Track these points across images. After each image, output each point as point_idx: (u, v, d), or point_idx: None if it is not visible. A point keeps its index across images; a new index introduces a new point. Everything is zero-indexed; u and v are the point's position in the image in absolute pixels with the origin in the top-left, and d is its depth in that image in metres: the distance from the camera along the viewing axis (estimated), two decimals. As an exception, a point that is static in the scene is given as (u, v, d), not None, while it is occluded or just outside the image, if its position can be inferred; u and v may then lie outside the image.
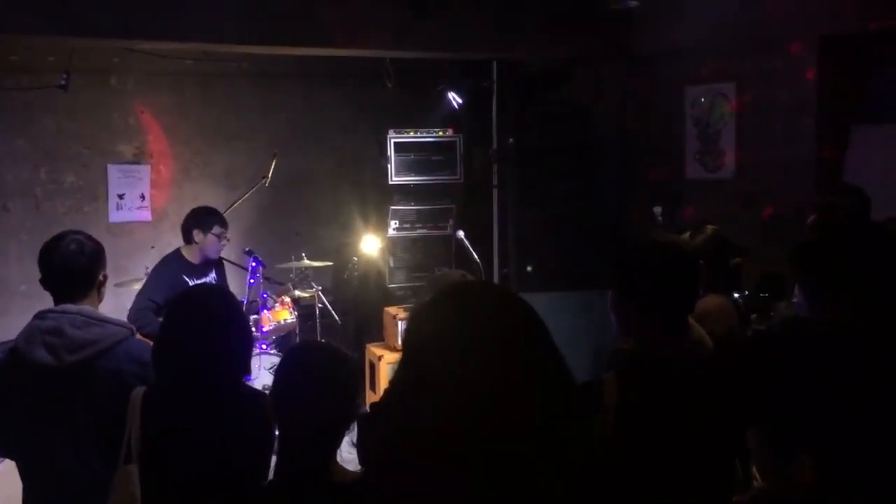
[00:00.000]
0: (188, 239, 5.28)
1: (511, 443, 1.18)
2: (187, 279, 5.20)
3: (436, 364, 1.23)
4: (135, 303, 5.13)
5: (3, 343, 4.16)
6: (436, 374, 1.22)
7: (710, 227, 3.60)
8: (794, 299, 2.38)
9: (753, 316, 3.90)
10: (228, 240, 5.42)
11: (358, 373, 2.30)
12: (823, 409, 2.03)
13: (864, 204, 3.84)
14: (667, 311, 2.17)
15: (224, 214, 5.54)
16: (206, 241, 5.23)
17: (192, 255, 5.29)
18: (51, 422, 2.65)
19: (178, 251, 5.35)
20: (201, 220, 5.27)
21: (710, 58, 5.94)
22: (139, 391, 2.42)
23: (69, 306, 2.70)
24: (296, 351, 2.33)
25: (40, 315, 2.70)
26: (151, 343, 2.56)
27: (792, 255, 2.30)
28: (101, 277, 2.81)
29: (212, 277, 5.40)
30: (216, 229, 5.25)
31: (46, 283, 2.77)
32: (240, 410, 2.38)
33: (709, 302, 3.35)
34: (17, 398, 2.67)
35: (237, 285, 6.06)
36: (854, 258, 2.16)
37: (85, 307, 2.72)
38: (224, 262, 5.63)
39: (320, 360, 2.07)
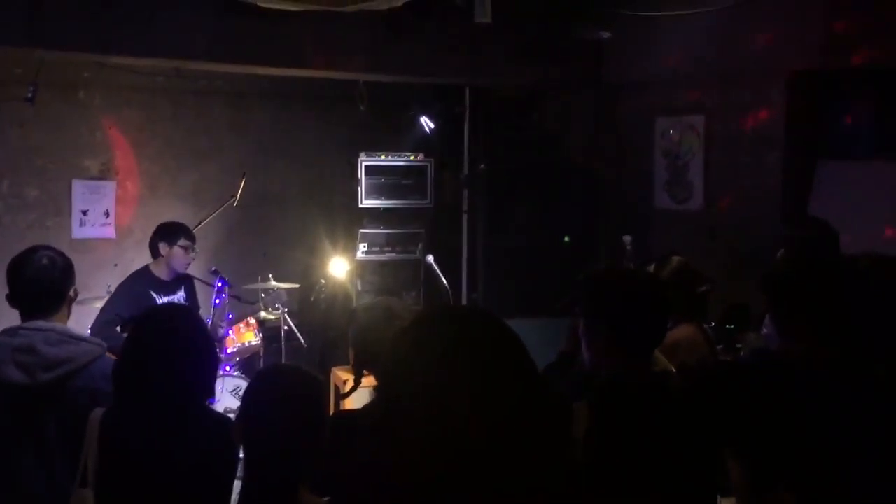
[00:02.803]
0: (155, 253, 5.21)
1: (482, 469, 1.16)
2: (154, 295, 5.11)
3: (406, 391, 1.21)
4: (99, 316, 5.03)
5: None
6: (407, 401, 1.20)
7: (675, 259, 3.62)
8: (765, 330, 2.39)
9: (720, 347, 3.92)
10: (196, 252, 5.34)
11: (326, 397, 2.26)
12: (797, 442, 2.03)
13: (833, 238, 3.88)
14: (635, 339, 2.18)
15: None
16: (172, 254, 5.15)
17: (159, 271, 5.20)
18: (21, 441, 2.58)
19: (146, 267, 5.27)
20: (167, 233, 5.21)
21: (680, 90, 6.02)
22: (97, 412, 2.36)
23: (41, 323, 2.64)
24: (266, 373, 2.29)
25: (9, 332, 2.64)
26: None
27: (763, 285, 2.32)
28: (71, 294, 2.76)
29: (180, 295, 5.31)
30: (182, 242, 5.17)
31: (15, 298, 2.70)
32: (202, 434, 2.33)
33: (680, 332, 3.36)
34: None
35: (207, 304, 5.97)
36: (824, 292, 2.17)
37: (57, 324, 2.67)
38: (194, 280, 5.54)
39: (291, 384, 2.04)
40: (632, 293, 2.23)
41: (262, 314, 6.10)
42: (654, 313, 2.24)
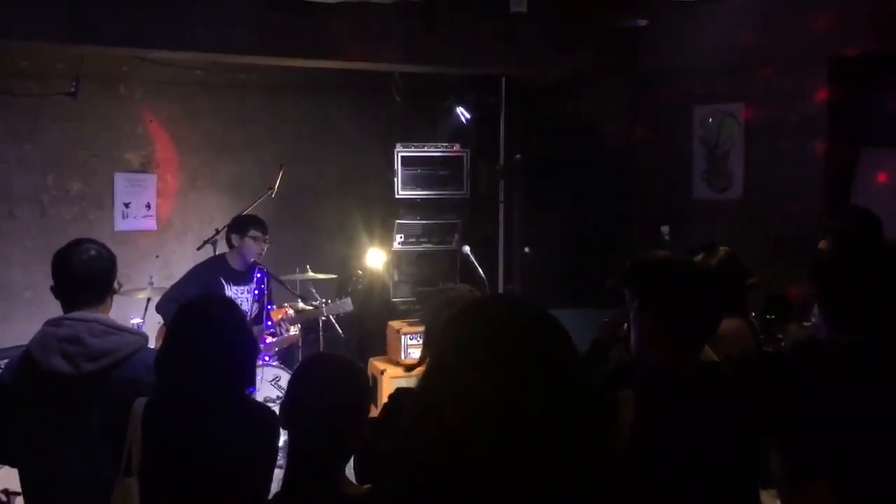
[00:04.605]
0: (229, 244, 5.44)
1: (521, 460, 1.17)
2: (225, 283, 5.32)
3: (449, 378, 1.21)
4: (168, 292, 5.23)
5: (10, 349, 4.15)
6: (449, 388, 1.20)
7: (722, 249, 3.57)
8: (813, 319, 2.36)
9: (761, 337, 3.87)
10: (267, 243, 5.46)
11: (370, 386, 2.28)
12: (839, 432, 2.00)
13: (877, 226, 3.82)
14: (689, 330, 2.15)
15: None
16: (244, 245, 5.36)
17: (233, 261, 5.42)
18: (64, 431, 2.62)
19: (223, 255, 5.50)
20: (239, 224, 5.44)
21: (718, 77, 5.94)
22: (140, 402, 2.39)
23: (86, 314, 2.67)
24: (311, 362, 2.31)
25: (55, 322, 2.67)
26: None
27: (811, 274, 2.28)
28: (115, 286, 2.81)
29: (252, 286, 5.49)
30: (252, 232, 5.36)
31: (62, 289, 2.73)
32: (242, 423, 2.36)
33: (726, 324, 3.32)
34: (29, 406, 2.64)
35: (280, 296, 6.06)
36: (874, 283, 2.13)
37: (101, 315, 2.70)
38: (267, 272, 5.66)
39: (335, 372, 2.06)
40: (693, 284, 2.20)
41: (301, 305, 6.15)
42: (712, 307, 2.21)
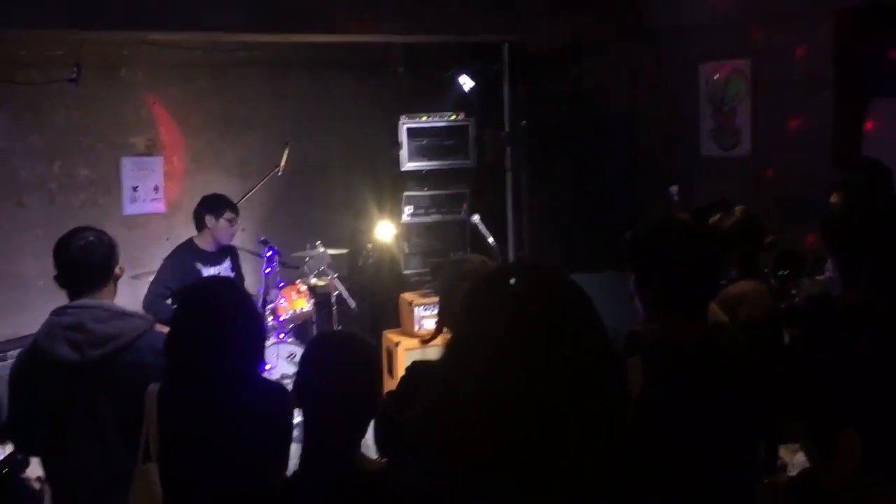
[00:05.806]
0: (200, 226, 5.32)
1: (543, 442, 1.14)
2: (200, 267, 5.23)
3: (469, 358, 1.19)
4: (149, 290, 5.18)
5: (24, 337, 4.19)
6: (469, 368, 1.18)
7: (738, 209, 3.50)
8: (827, 273, 2.34)
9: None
10: (238, 225, 5.41)
11: (380, 361, 2.29)
12: (860, 386, 1.99)
13: (888, 178, 3.78)
14: (689, 296, 2.12)
15: (238, 204, 5.56)
16: (218, 227, 5.26)
17: (204, 243, 5.32)
18: (74, 418, 2.64)
19: (190, 240, 5.38)
20: (213, 205, 5.31)
21: (724, 34, 5.87)
22: (153, 388, 2.40)
23: (88, 301, 2.69)
24: (321, 340, 2.32)
25: (59, 311, 2.69)
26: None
27: (825, 229, 2.26)
28: (117, 271, 2.81)
29: (226, 266, 5.42)
30: (227, 214, 5.28)
31: (63, 277, 2.75)
32: (256, 403, 2.37)
33: (745, 286, 3.30)
34: (38, 395, 2.67)
35: (252, 274, 6.06)
36: (888, 238, 2.11)
37: (104, 301, 2.72)
38: (238, 250, 5.63)
39: (345, 349, 2.07)
40: (683, 254, 2.13)
41: (313, 280, 6.16)
42: (706, 273, 2.16)
